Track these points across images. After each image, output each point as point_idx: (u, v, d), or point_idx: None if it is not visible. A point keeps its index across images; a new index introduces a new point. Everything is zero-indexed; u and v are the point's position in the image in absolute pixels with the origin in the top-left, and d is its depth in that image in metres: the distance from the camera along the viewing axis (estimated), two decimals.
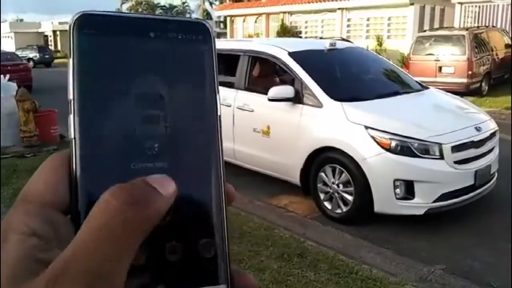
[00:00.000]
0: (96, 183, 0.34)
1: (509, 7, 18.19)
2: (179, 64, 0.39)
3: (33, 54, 34.58)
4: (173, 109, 0.38)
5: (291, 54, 5.28)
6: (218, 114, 0.39)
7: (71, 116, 0.36)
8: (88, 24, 0.37)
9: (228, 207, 0.39)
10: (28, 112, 7.23)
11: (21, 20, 59.13)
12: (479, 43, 13.28)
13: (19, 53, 26.51)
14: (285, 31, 25.45)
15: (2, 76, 7.62)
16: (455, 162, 4.39)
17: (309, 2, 25.32)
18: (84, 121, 0.36)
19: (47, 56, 35.49)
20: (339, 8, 23.72)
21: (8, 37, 49.54)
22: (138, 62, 0.37)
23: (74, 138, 0.36)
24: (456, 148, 4.39)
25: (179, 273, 0.36)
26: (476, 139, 4.59)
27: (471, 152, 4.54)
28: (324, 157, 4.77)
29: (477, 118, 5.01)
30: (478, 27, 15.47)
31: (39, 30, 52.37)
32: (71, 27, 0.37)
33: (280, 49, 5.40)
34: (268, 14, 27.80)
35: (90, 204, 0.33)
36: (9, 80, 7.62)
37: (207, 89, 0.39)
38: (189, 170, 0.38)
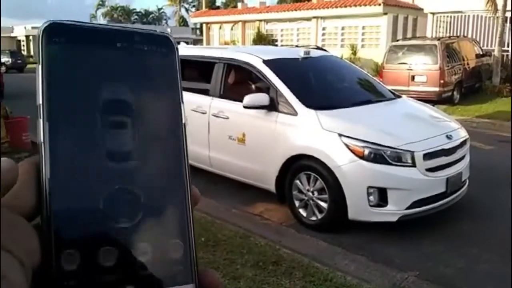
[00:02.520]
0: (66, 187, 0.35)
1: (480, 17, 18.66)
2: (144, 74, 0.40)
3: (5, 59, 33.84)
4: (140, 116, 0.39)
5: (266, 62, 5.30)
6: (183, 122, 0.41)
7: (40, 120, 0.36)
8: (57, 33, 0.38)
9: (194, 209, 0.40)
10: None
11: None
12: (450, 52, 13.57)
13: None
14: (261, 39, 25.56)
15: None
16: (427, 170, 4.47)
17: (284, 11, 25.53)
18: (53, 126, 0.36)
19: (19, 61, 34.79)
20: (314, 17, 23.96)
21: None
22: (105, 70, 0.38)
23: (43, 142, 0.36)
24: (428, 156, 4.47)
25: (148, 274, 0.37)
26: (447, 147, 4.68)
27: (443, 160, 4.63)
28: (299, 165, 4.79)
29: (448, 127, 5.11)
30: (449, 37, 15.83)
31: (12, 35, 51.44)
32: (40, 34, 0.37)
33: (255, 57, 5.42)
34: (244, 22, 27.89)
35: (60, 207, 0.35)
36: None
37: (171, 97, 0.41)
38: (156, 174, 0.39)
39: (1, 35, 47.47)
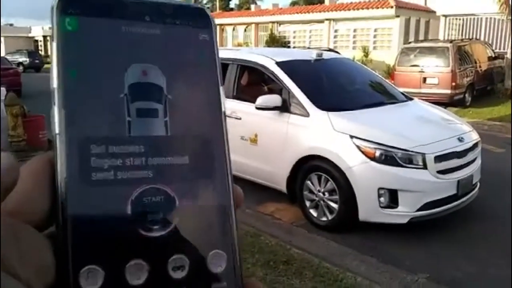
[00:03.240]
0: (86, 188, 0.31)
1: (492, 20, 18.53)
2: (177, 53, 0.35)
3: (23, 59, 34.20)
4: (173, 102, 0.34)
5: (279, 64, 5.35)
6: (223, 110, 0.36)
7: (55, 108, 0.31)
8: (75, 3, 0.33)
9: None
10: (17, 117, 7.20)
11: (11, 24, 58.58)
12: (462, 55, 13.49)
13: (9, 57, 26.22)
14: (274, 41, 25.62)
15: None
16: (438, 172, 4.48)
17: (297, 13, 25.57)
18: (71, 114, 0.31)
19: (37, 61, 35.10)
20: (326, 19, 23.97)
21: None
22: (132, 48, 0.34)
23: (59, 134, 0.31)
24: (439, 158, 4.48)
25: None
26: (458, 149, 4.69)
27: (454, 162, 4.63)
28: (310, 166, 4.83)
29: (460, 129, 5.11)
30: (462, 39, 15.75)
31: (29, 35, 51.95)
32: (54, 5, 0.32)
33: (268, 59, 5.47)
34: (257, 24, 27.97)
35: (79, 213, 0.30)
36: None
37: (208, 81, 0.36)
38: (194, 172, 0.34)
39: (19, 35, 48.03)
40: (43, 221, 0.30)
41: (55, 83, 0.31)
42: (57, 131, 0.31)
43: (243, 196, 0.37)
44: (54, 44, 0.32)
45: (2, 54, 29.18)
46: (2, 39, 48.22)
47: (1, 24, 54.86)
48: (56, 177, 0.30)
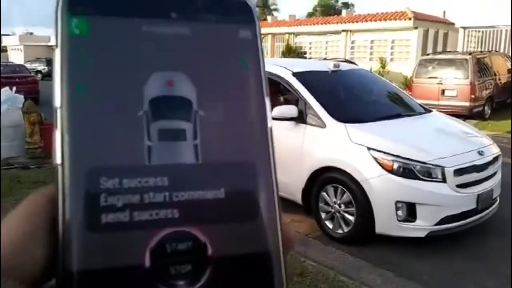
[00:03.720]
0: (92, 231, 0.25)
1: None
2: (212, 57, 0.29)
3: (42, 67, 34.81)
4: (204, 121, 0.28)
5: (295, 75, 5.33)
6: (268, 126, 0.29)
7: (57, 133, 0.25)
8: (84, 1, 0.27)
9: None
10: (34, 124, 7.30)
11: (31, 33, 59.76)
12: (482, 67, 13.36)
13: (28, 65, 26.75)
14: (290, 51, 25.67)
15: (8, 88, 7.69)
16: (458, 186, 4.40)
17: (314, 24, 25.60)
18: (76, 140, 0.25)
19: None
20: (343, 30, 23.95)
21: (18, 49, 50.01)
22: (154, 53, 0.28)
23: (62, 165, 0.25)
24: (459, 172, 4.40)
25: None
26: (478, 163, 4.60)
27: (474, 176, 4.55)
28: (326, 177, 4.78)
29: (480, 142, 5.03)
30: (481, 51, 15.59)
31: (49, 44, 52.87)
32: (58, 4, 0.27)
33: (284, 69, 5.45)
34: (274, 35, 28.06)
35: (85, 264, 0.24)
36: (16, 92, 7.69)
37: (251, 92, 0.29)
38: (230, 212, 0.27)
39: (38, 44, 48.93)
40: (40, 274, 0.25)
41: (58, 101, 0.26)
42: (59, 161, 0.25)
43: (296, 238, 0.30)
44: (58, 52, 0.26)
45: (22, 62, 29.67)
46: (22, 47, 49.08)
47: (21, 33, 55.84)
48: (57, 221, 0.25)
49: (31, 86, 16.52)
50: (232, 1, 0.30)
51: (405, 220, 4.30)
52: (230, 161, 0.28)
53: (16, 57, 46.95)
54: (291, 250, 0.29)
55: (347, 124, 4.73)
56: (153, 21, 0.28)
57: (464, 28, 20.24)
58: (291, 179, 5.06)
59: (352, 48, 24.11)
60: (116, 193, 0.25)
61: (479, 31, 19.96)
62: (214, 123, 0.28)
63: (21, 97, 7.68)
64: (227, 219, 0.27)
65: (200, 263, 0.26)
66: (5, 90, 7.57)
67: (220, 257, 0.26)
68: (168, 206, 0.26)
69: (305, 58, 23.80)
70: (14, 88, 7.80)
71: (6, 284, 0.23)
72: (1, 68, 18.33)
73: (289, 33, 27.01)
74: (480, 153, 4.70)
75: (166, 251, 0.25)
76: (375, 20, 22.50)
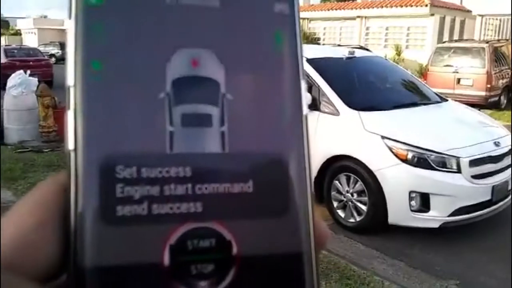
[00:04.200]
0: (107, 224, 0.23)
1: None
2: (243, 32, 0.26)
3: (55, 51, 35.01)
4: (233, 105, 0.25)
5: (310, 61, 5.26)
6: (304, 113, 0.27)
7: (69, 113, 0.23)
8: None
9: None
10: (48, 108, 7.34)
11: (45, 16, 60.02)
12: (499, 56, 13.15)
13: (41, 49, 26.95)
14: (304, 37, 25.46)
15: (23, 71, 7.73)
16: (472, 177, 4.34)
17: (328, 10, 25.34)
18: (91, 122, 0.23)
19: None
20: (358, 16, 23.67)
21: (32, 33, 50.29)
22: (178, 27, 0.25)
23: (75, 151, 0.23)
24: (474, 163, 4.34)
25: None
26: (494, 154, 4.54)
27: (489, 167, 4.49)
28: (339, 166, 4.74)
29: (496, 133, 4.95)
30: (498, 40, 15.33)
31: (63, 27, 53.08)
32: None
33: None
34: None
35: (99, 260, 0.22)
36: (30, 75, 7.72)
37: (286, 74, 0.26)
38: (258, 206, 0.25)
39: (52, 27, 49.25)
40: (51, 270, 0.23)
41: (71, 79, 0.23)
42: (71, 146, 0.23)
43: (329, 234, 0.27)
44: (71, 24, 0.23)
45: (35, 46, 29.85)
46: (36, 31, 49.35)
47: (35, 17, 56.12)
48: (69, 212, 0.23)
49: (45, 70, 16.65)
50: None
51: (418, 211, 4.26)
52: (259, 151, 0.25)
53: (30, 40, 47.23)
54: (324, 248, 0.27)
55: (361, 112, 4.67)
56: None
57: (482, 15, 19.91)
58: None
59: (366, 34, 23.82)
60: (133, 184, 0.23)
61: (496, 19, 19.62)
62: (244, 108, 0.25)
63: (35, 81, 7.71)
64: (254, 215, 0.25)
65: (224, 263, 0.24)
66: (19, 73, 7.60)
67: (246, 257, 0.24)
68: (191, 200, 0.24)
69: (319, 44, 23.63)
70: (28, 72, 7.83)
71: (14, 281, 0.21)
72: (16, 51, 18.47)
73: (303, 19, 26.76)
74: (496, 144, 4.63)
75: (187, 249, 0.23)
76: (391, 6, 22.18)
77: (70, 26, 0.24)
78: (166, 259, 0.23)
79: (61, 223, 0.23)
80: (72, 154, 0.23)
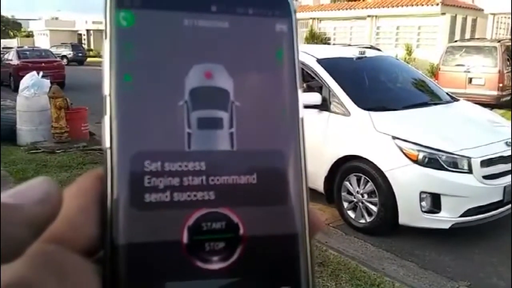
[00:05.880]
0: (137, 209, 0.27)
1: None
2: (249, 49, 0.30)
3: (67, 52, 35.37)
4: (240, 110, 0.29)
5: (320, 61, 5.26)
6: (300, 116, 0.31)
7: (106, 118, 0.28)
8: None
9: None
10: (60, 109, 7.39)
11: (57, 18, 60.53)
12: (511, 55, 13.03)
13: (53, 50, 27.17)
14: (314, 37, 25.41)
15: (35, 72, 7.81)
16: (484, 177, 4.31)
17: (338, 9, 25.26)
18: (123, 124, 0.28)
19: (80, 54, 36.29)
20: (368, 16, 23.58)
21: (44, 34, 50.78)
22: (195, 46, 0.29)
23: (111, 147, 0.28)
24: (485, 163, 4.31)
25: None
26: (506, 154, 4.50)
27: (501, 168, 4.45)
28: (349, 166, 4.74)
29: (508, 133, 4.91)
30: (510, 39, 15.18)
31: (74, 29, 53.45)
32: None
33: (308, 56, 5.39)
34: (296, 20, 27.81)
35: (130, 239, 0.27)
36: (43, 76, 7.80)
37: (285, 84, 0.31)
38: (261, 195, 0.29)
39: (64, 28, 49.68)
40: (90, 248, 0.27)
41: (106, 89, 0.28)
42: (108, 145, 0.28)
43: (323, 222, 0.32)
44: (107, 43, 0.28)
45: (47, 47, 30.13)
46: (48, 32, 49.80)
47: (47, 18, 56.52)
48: (105, 199, 0.27)
49: (57, 71, 16.79)
50: None
51: (429, 211, 4.24)
52: (262, 149, 0.30)
53: (42, 41, 47.66)
54: (317, 233, 0.31)
55: (371, 112, 4.66)
56: (194, 14, 0.29)
57: (494, 14, 19.74)
58: (313, 167, 5.03)
59: (377, 34, 23.73)
60: (158, 175, 0.28)
61: (508, 17, 19.42)
62: (249, 113, 0.30)
63: (47, 82, 7.79)
64: (258, 202, 0.29)
65: (233, 241, 0.28)
66: (32, 74, 7.68)
67: (251, 236, 0.28)
68: (205, 189, 0.28)
69: (329, 44, 23.56)
70: (41, 73, 7.91)
71: (62, 252, 0.25)
72: (28, 52, 18.65)
73: (313, 19, 26.70)
74: (508, 144, 4.59)
75: (202, 229, 0.28)
76: (401, 6, 22.07)
77: (105, 45, 0.28)
78: (185, 238, 0.27)
79: (99, 208, 0.27)
80: (108, 151, 0.27)
